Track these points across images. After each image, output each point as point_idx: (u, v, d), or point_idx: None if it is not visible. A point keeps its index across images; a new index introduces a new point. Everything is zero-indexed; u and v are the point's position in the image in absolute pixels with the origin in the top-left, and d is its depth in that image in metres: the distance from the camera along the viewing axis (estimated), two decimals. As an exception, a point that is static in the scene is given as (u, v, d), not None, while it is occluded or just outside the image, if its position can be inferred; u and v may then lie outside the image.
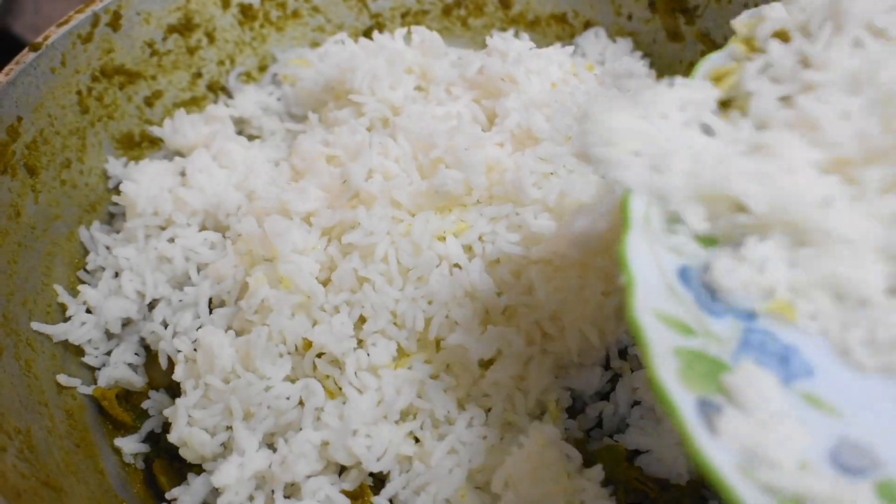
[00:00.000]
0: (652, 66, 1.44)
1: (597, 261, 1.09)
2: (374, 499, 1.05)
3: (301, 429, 1.06)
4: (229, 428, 1.07)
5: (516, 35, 1.48)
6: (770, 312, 0.76)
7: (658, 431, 1.08)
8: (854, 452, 0.68)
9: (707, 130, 0.83)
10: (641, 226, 0.79)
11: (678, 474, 1.07)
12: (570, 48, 1.26)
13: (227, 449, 1.08)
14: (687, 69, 1.45)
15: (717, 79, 0.90)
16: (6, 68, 1.18)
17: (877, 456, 0.68)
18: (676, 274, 0.78)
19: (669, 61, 1.47)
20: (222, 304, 1.17)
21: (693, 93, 0.85)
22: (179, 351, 1.13)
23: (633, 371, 1.14)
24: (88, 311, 1.21)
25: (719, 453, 0.65)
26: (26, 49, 1.21)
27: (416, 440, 1.07)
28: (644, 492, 1.07)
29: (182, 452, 1.08)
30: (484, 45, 1.33)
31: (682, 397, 0.68)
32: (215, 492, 1.04)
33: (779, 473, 0.65)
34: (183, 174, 1.27)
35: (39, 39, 1.22)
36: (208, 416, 1.07)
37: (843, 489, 0.64)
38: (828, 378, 0.74)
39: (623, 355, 1.16)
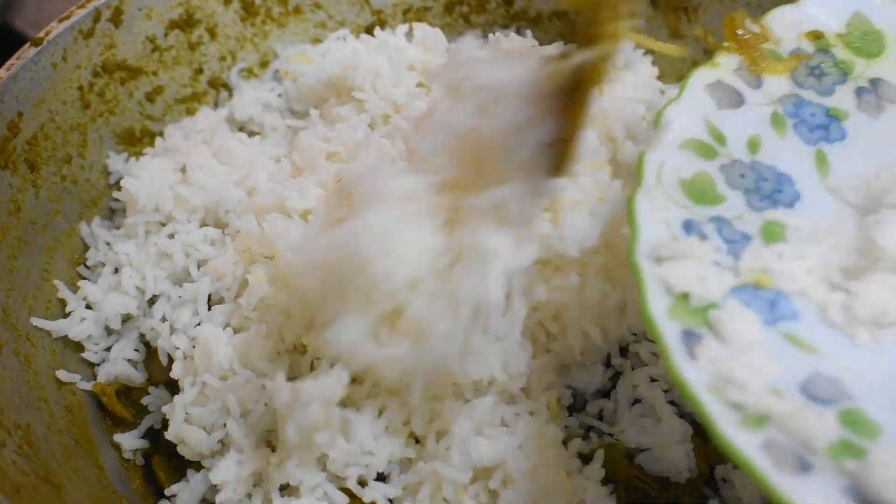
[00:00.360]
0: (654, 63, 1.43)
1: (596, 259, 1.09)
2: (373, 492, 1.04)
3: None
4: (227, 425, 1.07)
5: (518, 32, 1.48)
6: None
7: (658, 429, 1.08)
8: (825, 385, 0.76)
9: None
10: (653, 182, 0.89)
11: (678, 472, 1.07)
12: (574, 45, 1.25)
13: (225, 446, 1.07)
14: (690, 67, 1.44)
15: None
16: (7, 63, 1.18)
17: (846, 390, 0.75)
18: (681, 225, 0.87)
19: (672, 59, 1.45)
20: (221, 300, 1.17)
21: None
22: (178, 348, 1.13)
23: (633, 369, 1.14)
24: (88, 306, 1.21)
25: (694, 374, 0.73)
26: (27, 44, 1.20)
27: (416, 440, 1.07)
28: (644, 490, 1.07)
29: (180, 449, 1.08)
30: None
31: (668, 327, 0.77)
32: (214, 488, 1.04)
33: (746, 394, 0.72)
34: (183, 171, 1.27)
35: (41, 35, 1.22)
36: (205, 413, 1.07)
37: (807, 411, 0.71)
38: (811, 324, 0.82)
39: (624, 353, 1.16)
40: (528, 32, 1.43)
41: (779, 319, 0.81)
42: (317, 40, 1.52)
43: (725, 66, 1.04)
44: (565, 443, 1.08)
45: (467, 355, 0.93)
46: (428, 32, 1.32)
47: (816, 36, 1.08)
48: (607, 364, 1.16)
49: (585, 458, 1.08)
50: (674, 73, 1.46)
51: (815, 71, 1.05)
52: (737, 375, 0.73)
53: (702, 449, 1.09)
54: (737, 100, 1.01)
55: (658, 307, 0.78)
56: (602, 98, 1.20)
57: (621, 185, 1.15)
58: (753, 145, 0.98)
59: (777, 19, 1.08)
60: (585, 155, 1.17)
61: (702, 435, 1.10)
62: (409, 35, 1.39)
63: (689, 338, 0.77)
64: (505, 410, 1.06)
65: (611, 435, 1.11)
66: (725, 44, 1.06)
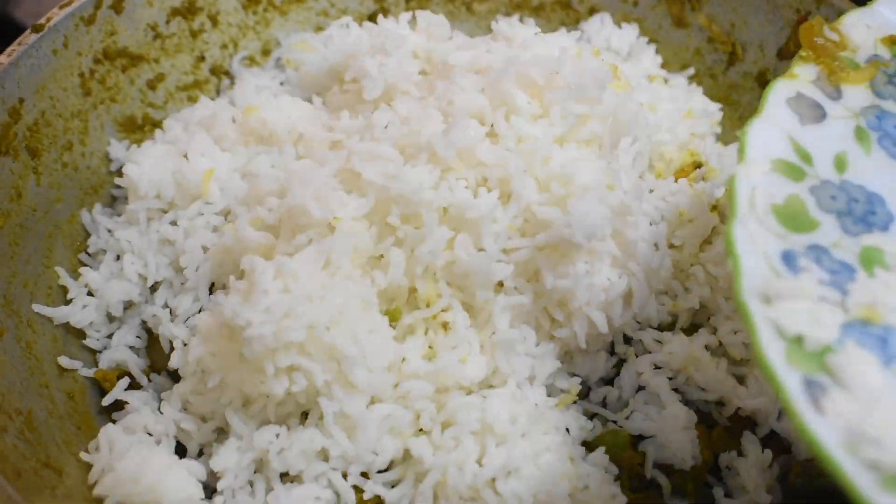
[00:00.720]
0: (658, 52, 1.44)
1: (603, 246, 1.10)
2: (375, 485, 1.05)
3: (306, 416, 1.06)
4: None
5: (521, 20, 1.48)
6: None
7: (662, 417, 1.10)
8: None
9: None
10: (746, 211, 0.86)
11: (682, 460, 1.08)
12: (576, 33, 1.26)
13: (222, 434, 1.08)
14: (693, 56, 1.47)
15: None
16: (8, 49, 1.18)
17: None
18: (780, 258, 0.83)
19: (675, 48, 1.47)
20: (223, 287, 1.17)
21: None
22: (176, 337, 1.14)
23: (637, 356, 1.15)
24: (90, 293, 1.21)
25: (825, 431, 0.69)
26: (28, 30, 1.21)
27: (420, 429, 1.07)
28: (648, 477, 1.08)
29: (178, 437, 1.09)
30: (489, 31, 1.33)
31: (788, 376, 0.73)
32: (215, 475, 1.04)
33: (882, 451, 0.68)
34: (185, 157, 1.26)
35: (42, 21, 1.22)
36: (204, 402, 1.07)
37: None
38: None
39: (628, 341, 1.17)
40: (531, 21, 1.42)
41: (893, 359, 0.78)
42: (319, 28, 1.52)
43: (803, 76, 1.01)
44: (568, 430, 1.09)
45: None
46: (432, 20, 1.31)
47: (893, 41, 1.05)
48: (611, 352, 1.17)
49: (589, 446, 1.09)
50: (677, 61, 1.48)
51: (894, 79, 1.02)
52: (869, 430, 0.70)
53: (706, 437, 1.11)
54: (819, 113, 0.98)
55: (775, 354, 0.74)
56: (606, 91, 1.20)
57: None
58: (840, 163, 0.95)
59: (853, 24, 1.05)
60: (592, 142, 1.18)
61: (706, 423, 1.12)
62: (412, 23, 1.38)
63: (813, 388, 0.73)
64: (509, 399, 1.06)
65: (615, 422, 1.12)
66: (802, 53, 1.03)
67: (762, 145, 0.93)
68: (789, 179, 0.91)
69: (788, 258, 0.84)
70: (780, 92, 0.98)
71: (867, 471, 0.67)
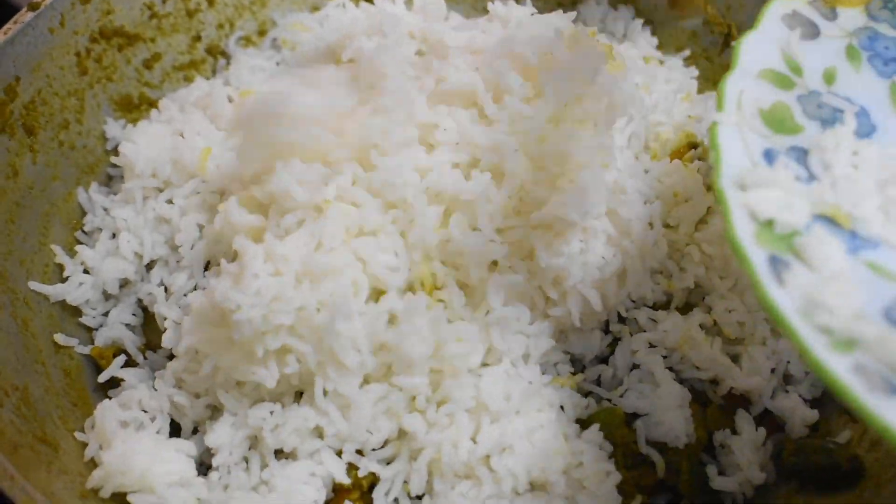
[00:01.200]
0: (653, 34, 1.45)
1: (598, 225, 1.10)
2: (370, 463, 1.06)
3: (300, 395, 1.07)
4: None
5: (517, 1, 1.48)
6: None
7: (657, 395, 1.10)
8: None
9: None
10: (734, 109, 0.92)
11: (676, 438, 1.09)
12: (573, 13, 1.26)
13: (216, 411, 1.08)
14: (690, 37, 1.47)
15: None
16: (4, 27, 1.18)
17: None
18: (761, 154, 0.89)
19: (670, 29, 1.48)
20: (219, 265, 1.16)
21: None
22: (166, 318, 1.15)
23: (631, 335, 1.16)
24: (86, 271, 1.22)
25: (783, 298, 0.75)
26: (25, 8, 1.21)
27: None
28: (642, 454, 1.09)
29: (171, 413, 1.10)
30: (485, 12, 1.33)
31: (755, 253, 0.78)
32: (210, 452, 1.06)
33: (834, 318, 0.73)
34: (181, 136, 1.27)
35: None
36: (197, 381, 1.08)
37: (892, 337, 0.72)
38: (890, 254, 0.84)
39: (622, 319, 1.18)
40: (528, 1, 1.42)
41: (860, 248, 0.83)
42: (315, 8, 1.52)
43: None
44: (563, 408, 1.10)
45: None
46: (428, 1, 1.32)
47: None
48: (606, 330, 1.17)
49: (584, 423, 1.09)
50: (672, 43, 1.48)
51: (889, 4, 1.05)
52: (826, 300, 0.75)
53: (700, 415, 1.11)
54: (813, 31, 1.02)
55: (745, 233, 0.80)
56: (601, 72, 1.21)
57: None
58: (829, 77, 0.99)
59: None
60: (588, 121, 1.17)
61: (700, 401, 1.13)
62: (409, 3, 1.39)
63: (777, 264, 0.78)
64: (503, 377, 1.07)
65: (609, 400, 1.12)
66: None
67: (754, 56, 0.98)
68: (778, 87, 0.96)
69: (769, 155, 0.89)
70: (776, 9, 1.02)
71: (819, 334, 0.72)
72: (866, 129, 0.95)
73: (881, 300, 0.79)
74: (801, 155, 0.91)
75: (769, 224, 0.81)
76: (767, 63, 0.98)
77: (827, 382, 0.69)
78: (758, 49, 0.98)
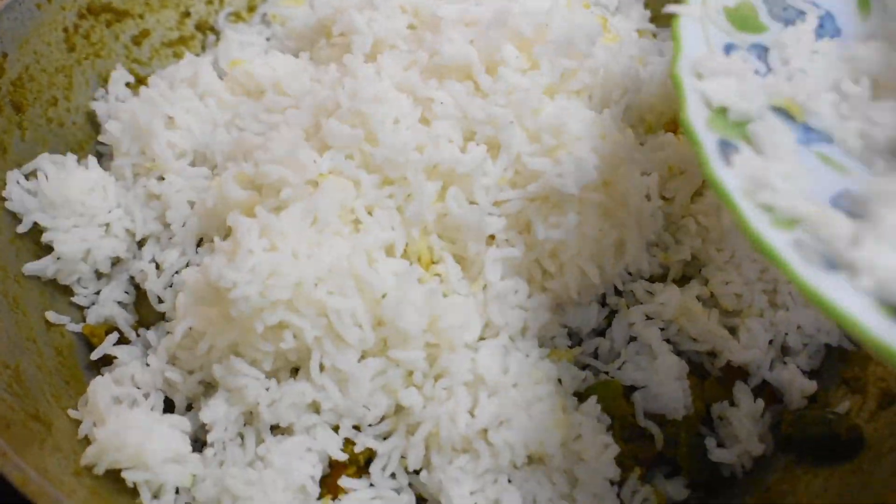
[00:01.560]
0: (646, 6, 1.48)
1: (594, 197, 1.10)
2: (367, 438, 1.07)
3: (296, 371, 1.08)
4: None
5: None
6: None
7: (654, 367, 1.11)
8: (852, 201, 0.80)
9: None
10: (698, 3, 0.95)
11: (675, 410, 1.10)
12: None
13: (210, 387, 1.09)
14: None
15: None
16: None
17: (871, 210, 0.77)
18: (722, 48, 0.92)
19: (664, 2, 1.46)
20: (212, 241, 1.17)
21: None
22: (159, 298, 1.17)
23: (629, 307, 1.16)
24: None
25: (729, 178, 0.77)
26: None
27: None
28: (640, 427, 1.10)
29: (164, 390, 1.10)
30: (478, -17, 1.33)
31: (706, 136, 0.81)
32: (205, 428, 1.06)
33: (778, 197, 0.76)
34: (170, 116, 1.27)
35: None
36: (192, 357, 1.08)
37: (833, 217, 0.74)
38: (842, 150, 0.86)
39: (619, 292, 1.18)
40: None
41: (812, 141, 0.85)
42: None
43: None
44: (560, 381, 1.10)
45: None
46: None
47: None
48: (603, 303, 1.18)
49: (581, 396, 1.10)
50: (666, 15, 1.46)
51: None
52: (771, 180, 0.77)
53: (698, 387, 1.13)
54: None
55: (697, 118, 0.82)
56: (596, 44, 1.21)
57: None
58: None
59: None
60: (582, 93, 1.20)
61: (698, 373, 1.14)
62: None
63: (727, 147, 0.81)
64: (501, 350, 1.08)
65: (606, 373, 1.13)
66: None
67: None
68: None
69: (729, 49, 0.92)
70: None
71: (762, 212, 0.75)
72: (831, 32, 0.98)
73: (829, 189, 0.81)
74: (762, 52, 0.94)
75: (722, 111, 0.84)
76: None
77: (764, 254, 0.72)
78: None
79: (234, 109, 1.30)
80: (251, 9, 1.52)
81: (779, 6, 0.98)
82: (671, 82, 0.87)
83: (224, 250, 1.07)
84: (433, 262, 1.11)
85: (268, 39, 1.46)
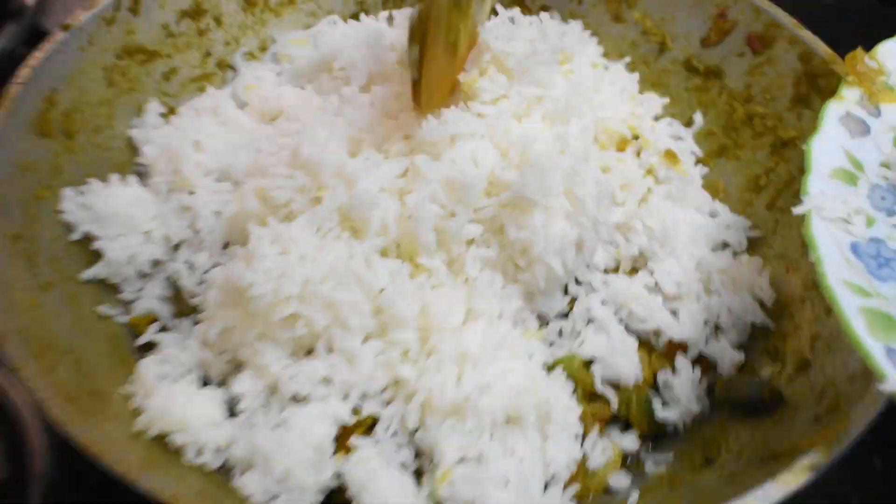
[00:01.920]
0: (599, 44, 1.55)
1: (556, 202, 1.18)
2: (371, 405, 1.12)
3: (310, 351, 1.14)
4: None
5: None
6: None
7: (609, 343, 1.19)
8: None
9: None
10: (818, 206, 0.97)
11: (627, 377, 1.18)
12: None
13: (239, 366, 1.15)
14: (629, 46, 1.58)
15: None
16: (42, 46, 1.29)
17: None
18: (849, 248, 0.94)
19: (614, 39, 1.57)
20: (236, 244, 1.26)
21: None
22: (193, 294, 1.26)
23: (587, 295, 1.26)
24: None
25: None
26: (58, 29, 1.31)
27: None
28: (598, 392, 1.18)
29: (201, 367, 1.18)
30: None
31: (874, 347, 0.83)
32: (235, 401, 1.12)
33: None
34: (196, 141, 1.38)
35: (69, 21, 1.32)
36: (222, 340, 1.15)
37: None
38: None
39: (579, 282, 1.26)
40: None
41: None
42: (309, 27, 1.62)
43: (849, 98, 1.13)
44: (531, 356, 1.19)
45: None
46: (406, 17, 1.37)
47: None
48: (566, 291, 1.26)
49: (550, 368, 1.18)
50: (616, 51, 1.58)
51: None
52: None
53: (646, 359, 1.23)
54: (864, 128, 1.09)
55: (860, 329, 0.84)
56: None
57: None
58: (886, 169, 1.06)
59: (887, 53, 1.17)
60: (546, 118, 1.30)
61: (646, 348, 1.24)
62: (390, 20, 1.51)
63: (893, 355, 0.83)
64: (482, 331, 1.16)
65: (570, 349, 1.21)
66: (848, 78, 1.14)
67: (823, 157, 1.05)
68: (846, 184, 1.03)
69: (855, 248, 0.94)
70: (832, 112, 1.11)
71: None
72: None
73: None
74: (881, 246, 0.96)
75: (886, 318, 0.86)
76: (834, 162, 1.05)
77: None
78: (824, 150, 1.05)
79: (251, 134, 1.37)
80: (263, 48, 1.59)
81: (878, 197, 1.02)
82: (821, 287, 0.88)
83: (242, 256, 1.15)
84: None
85: (278, 74, 1.52)
